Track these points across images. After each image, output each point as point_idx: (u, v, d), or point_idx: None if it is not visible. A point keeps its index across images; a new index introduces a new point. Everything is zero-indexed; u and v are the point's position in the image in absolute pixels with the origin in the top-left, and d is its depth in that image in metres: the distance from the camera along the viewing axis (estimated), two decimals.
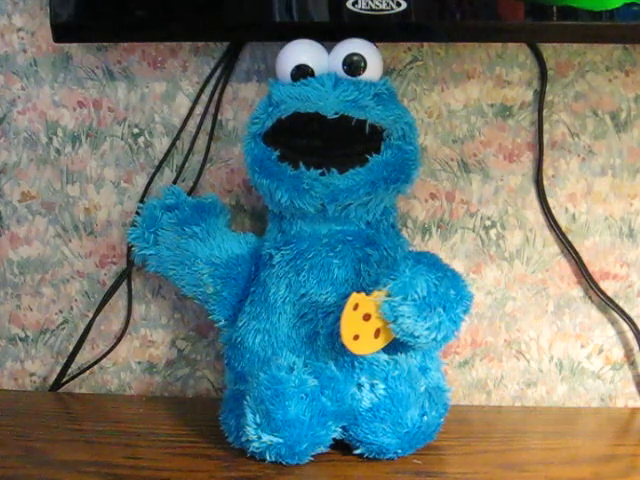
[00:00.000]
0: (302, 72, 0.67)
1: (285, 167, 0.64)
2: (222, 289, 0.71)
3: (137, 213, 0.75)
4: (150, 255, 0.74)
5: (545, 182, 0.79)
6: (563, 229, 0.80)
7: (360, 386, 0.65)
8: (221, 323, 0.72)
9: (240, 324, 0.69)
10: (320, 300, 0.66)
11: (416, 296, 0.61)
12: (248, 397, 0.63)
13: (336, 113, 0.63)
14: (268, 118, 0.66)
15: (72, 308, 0.85)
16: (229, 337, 0.70)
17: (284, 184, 0.64)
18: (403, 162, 0.66)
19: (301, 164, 0.64)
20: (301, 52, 0.67)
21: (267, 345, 0.67)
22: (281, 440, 0.62)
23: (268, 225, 0.71)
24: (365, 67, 0.67)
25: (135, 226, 0.75)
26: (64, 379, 0.84)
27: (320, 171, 0.63)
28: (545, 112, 0.78)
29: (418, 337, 0.61)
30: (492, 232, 0.81)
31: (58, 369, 0.84)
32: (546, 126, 0.78)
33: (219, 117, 0.80)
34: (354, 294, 0.61)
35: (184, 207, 0.74)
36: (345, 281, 0.67)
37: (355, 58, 0.67)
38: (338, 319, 0.61)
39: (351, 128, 0.64)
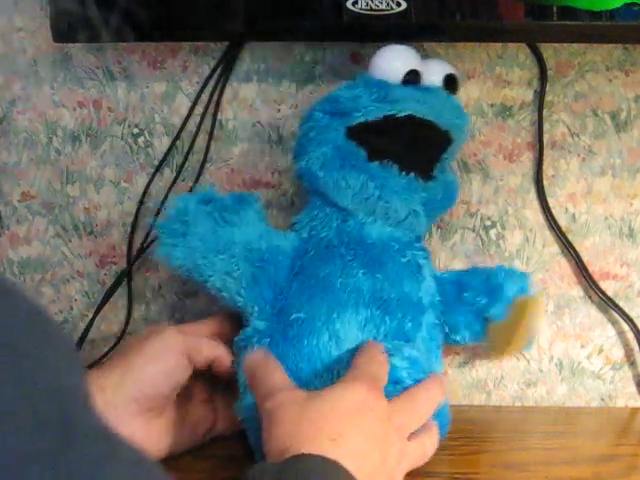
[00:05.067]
0: (414, 78, 0.68)
1: (379, 166, 0.66)
2: (259, 275, 0.66)
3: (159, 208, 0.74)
4: (177, 247, 0.67)
5: (545, 182, 0.79)
6: (563, 229, 0.80)
7: None
8: (255, 312, 0.66)
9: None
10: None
11: None
12: None
13: (447, 127, 0.66)
14: (376, 110, 0.66)
15: (72, 308, 0.85)
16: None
17: (373, 181, 0.65)
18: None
19: (396, 167, 0.65)
20: (412, 57, 0.69)
21: None
22: None
23: (310, 222, 0.69)
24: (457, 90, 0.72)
25: (164, 217, 0.68)
26: None
27: (412, 175, 0.65)
28: (545, 112, 0.78)
29: None
30: (492, 232, 0.81)
31: None
32: (546, 126, 0.78)
33: (219, 117, 0.80)
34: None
35: (222, 198, 0.68)
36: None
37: (454, 79, 0.70)
38: None
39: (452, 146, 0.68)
